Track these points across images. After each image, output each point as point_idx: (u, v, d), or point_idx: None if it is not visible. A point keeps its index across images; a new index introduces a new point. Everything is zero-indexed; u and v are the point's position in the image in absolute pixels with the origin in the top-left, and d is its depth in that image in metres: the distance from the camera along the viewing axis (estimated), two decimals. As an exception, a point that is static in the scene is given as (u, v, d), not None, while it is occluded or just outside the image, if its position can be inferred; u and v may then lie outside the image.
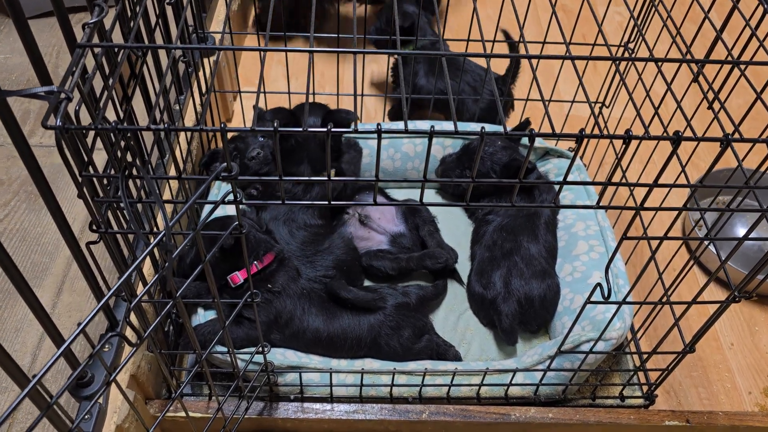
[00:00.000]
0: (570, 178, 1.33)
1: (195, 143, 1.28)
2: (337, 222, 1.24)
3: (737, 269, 1.26)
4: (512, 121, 1.61)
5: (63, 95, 0.63)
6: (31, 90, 0.65)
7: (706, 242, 1.18)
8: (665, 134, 0.66)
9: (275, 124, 0.61)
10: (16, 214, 1.38)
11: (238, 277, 1.04)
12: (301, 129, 0.62)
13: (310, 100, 1.28)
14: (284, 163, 1.22)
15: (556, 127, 1.53)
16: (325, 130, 0.61)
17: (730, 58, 0.74)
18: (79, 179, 0.65)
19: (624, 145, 0.64)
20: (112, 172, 0.74)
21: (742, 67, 0.75)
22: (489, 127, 1.35)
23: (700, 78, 0.79)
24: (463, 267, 1.25)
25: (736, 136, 0.65)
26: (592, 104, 1.33)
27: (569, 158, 1.36)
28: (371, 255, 1.19)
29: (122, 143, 0.71)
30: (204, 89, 1.30)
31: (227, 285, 1.05)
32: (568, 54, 0.71)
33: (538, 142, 1.35)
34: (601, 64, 1.69)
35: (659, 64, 0.71)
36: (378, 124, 0.61)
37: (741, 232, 1.40)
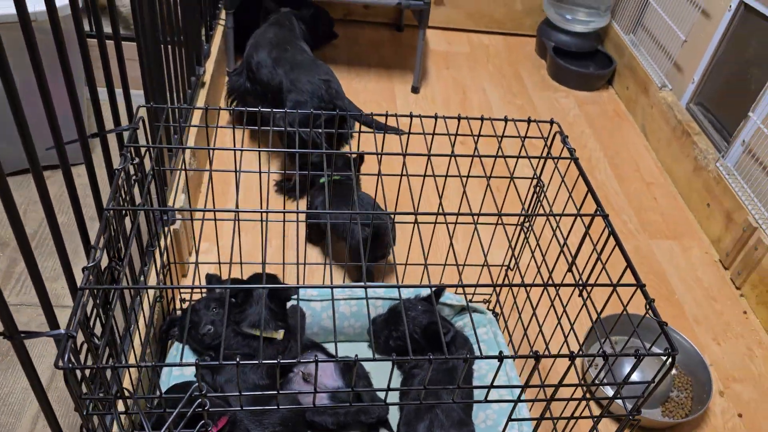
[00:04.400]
0: (480, 332, 1.56)
1: (157, 309, 1.46)
2: (283, 380, 1.41)
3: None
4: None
5: (68, 337, 0.81)
6: (45, 334, 0.83)
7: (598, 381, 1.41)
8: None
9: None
10: (-16, 375, 1.49)
11: (197, 443, 1.19)
12: (259, 360, 0.81)
13: (260, 270, 1.48)
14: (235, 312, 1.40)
15: (471, 282, 1.78)
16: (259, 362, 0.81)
17: (580, 282, 0.99)
18: (84, 413, 0.82)
19: (535, 368, 0.86)
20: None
21: (588, 289, 1.00)
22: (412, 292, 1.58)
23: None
24: (395, 416, 1.44)
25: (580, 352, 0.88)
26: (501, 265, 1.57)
27: (484, 313, 1.60)
28: (313, 411, 1.37)
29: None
30: (165, 259, 1.49)
31: (186, 448, 1.20)
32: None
33: (455, 300, 1.58)
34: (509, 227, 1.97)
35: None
36: (318, 355, 0.81)
37: (627, 368, 1.64)
